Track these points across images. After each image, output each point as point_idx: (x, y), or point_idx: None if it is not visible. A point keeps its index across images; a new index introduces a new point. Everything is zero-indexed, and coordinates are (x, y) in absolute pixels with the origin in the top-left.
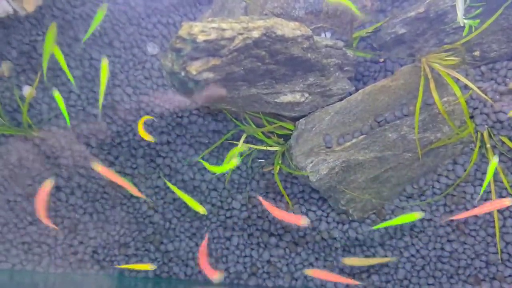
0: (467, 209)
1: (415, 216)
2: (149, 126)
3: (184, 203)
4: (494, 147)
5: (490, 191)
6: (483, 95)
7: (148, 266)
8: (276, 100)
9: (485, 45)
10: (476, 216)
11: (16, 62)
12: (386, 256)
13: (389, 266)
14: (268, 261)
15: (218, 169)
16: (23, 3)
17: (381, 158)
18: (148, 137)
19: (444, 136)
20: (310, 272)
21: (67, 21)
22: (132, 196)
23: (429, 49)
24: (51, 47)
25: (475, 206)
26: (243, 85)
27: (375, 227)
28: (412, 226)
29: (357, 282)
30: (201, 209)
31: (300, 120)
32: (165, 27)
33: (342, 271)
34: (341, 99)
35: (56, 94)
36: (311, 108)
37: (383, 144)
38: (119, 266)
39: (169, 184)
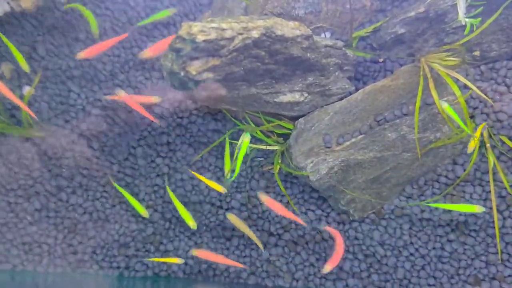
0: None
1: (475, 208)
2: (149, 126)
3: (185, 202)
4: (494, 146)
5: (490, 191)
6: (482, 95)
7: (177, 260)
8: (275, 99)
9: (485, 44)
10: (475, 216)
11: (16, 63)
12: (386, 255)
13: (388, 265)
14: (267, 260)
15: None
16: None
17: (381, 158)
18: (221, 189)
19: (443, 136)
20: (195, 252)
21: (67, 21)
22: (131, 194)
23: (428, 49)
24: None
25: None
26: (242, 85)
27: (431, 204)
28: (411, 225)
29: (242, 265)
30: (191, 223)
31: (300, 119)
32: (165, 27)
33: (342, 269)
34: (340, 99)
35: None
36: (311, 108)
37: (383, 144)
38: (150, 259)
39: (169, 192)
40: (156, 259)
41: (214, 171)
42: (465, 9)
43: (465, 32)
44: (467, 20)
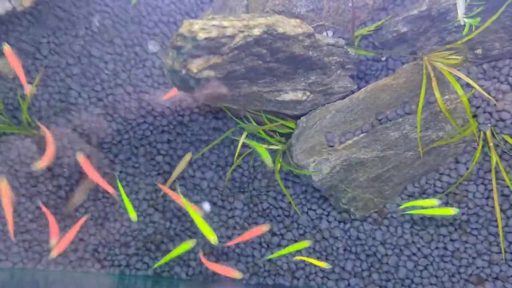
0: (469, 208)
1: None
2: (150, 125)
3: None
4: (496, 145)
5: (492, 190)
6: (485, 93)
7: (324, 264)
8: (277, 98)
9: (488, 43)
10: (477, 215)
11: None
12: (387, 254)
13: (390, 264)
14: (269, 260)
15: None
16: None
17: (383, 157)
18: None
19: (446, 135)
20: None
21: (67, 19)
22: (131, 193)
23: (431, 48)
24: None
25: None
26: (244, 83)
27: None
28: (413, 224)
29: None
30: (212, 238)
31: (301, 118)
32: (166, 25)
33: (343, 269)
34: (342, 98)
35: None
36: (313, 107)
37: (385, 143)
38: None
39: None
40: (302, 258)
41: (215, 170)
42: (464, 8)
43: (464, 32)
44: (466, 20)
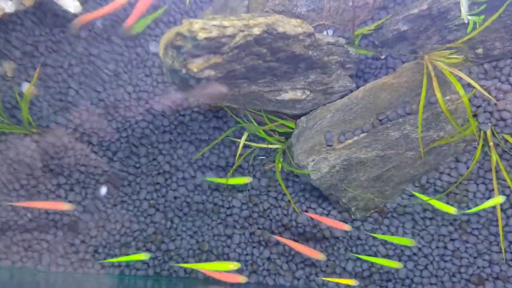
0: (468, 208)
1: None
2: (150, 124)
3: (185, 201)
4: (497, 145)
5: (493, 189)
6: (486, 93)
7: (352, 282)
8: (277, 97)
9: (488, 42)
10: (479, 215)
11: (19, 61)
12: (388, 254)
13: None
14: (268, 258)
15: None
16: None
17: (384, 157)
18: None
19: (447, 135)
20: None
21: (68, 20)
22: (133, 193)
23: (431, 46)
24: None
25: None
26: (244, 83)
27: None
28: (414, 224)
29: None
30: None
31: (301, 118)
32: (166, 26)
33: (344, 270)
34: (342, 97)
35: None
36: (313, 106)
37: (386, 143)
38: (324, 278)
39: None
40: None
41: (216, 170)
42: (467, 6)
43: (468, 30)
44: (469, 17)
